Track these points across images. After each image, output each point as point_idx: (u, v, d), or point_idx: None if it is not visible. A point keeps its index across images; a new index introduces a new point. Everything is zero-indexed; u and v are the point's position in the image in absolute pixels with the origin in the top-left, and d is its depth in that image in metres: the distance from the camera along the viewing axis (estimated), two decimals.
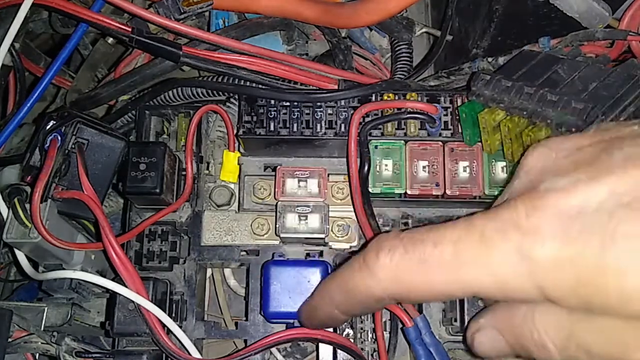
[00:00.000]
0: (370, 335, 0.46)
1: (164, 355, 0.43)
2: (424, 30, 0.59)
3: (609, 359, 0.26)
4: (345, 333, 0.46)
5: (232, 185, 0.48)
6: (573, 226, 0.24)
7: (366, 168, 0.43)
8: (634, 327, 0.24)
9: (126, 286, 0.42)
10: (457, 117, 0.45)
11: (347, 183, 0.46)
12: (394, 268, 0.28)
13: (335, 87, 0.48)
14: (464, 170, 0.44)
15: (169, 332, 0.43)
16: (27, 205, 0.41)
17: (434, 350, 0.41)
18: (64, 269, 0.45)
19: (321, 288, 0.34)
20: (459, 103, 0.45)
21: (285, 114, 0.45)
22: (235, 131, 0.46)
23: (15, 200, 0.42)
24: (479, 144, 0.44)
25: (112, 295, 0.43)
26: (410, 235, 0.28)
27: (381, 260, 0.28)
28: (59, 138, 0.43)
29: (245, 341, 0.46)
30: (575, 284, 0.24)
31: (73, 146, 0.44)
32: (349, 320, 0.46)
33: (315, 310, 0.35)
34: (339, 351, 0.44)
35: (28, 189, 0.42)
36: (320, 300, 0.34)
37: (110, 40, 0.60)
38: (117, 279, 0.42)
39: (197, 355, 0.43)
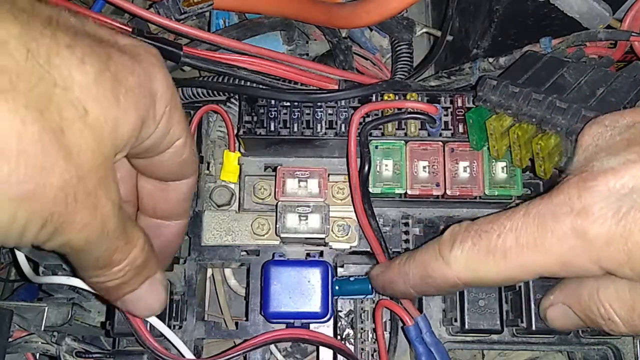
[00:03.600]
0: (370, 335, 0.46)
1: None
2: (424, 30, 0.59)
3: None
4: (345, 333, 0.46)
5: (232, 185, 0.48)
6: (623, 204, 0.26)
7: (366, 168, 0.43)
8: None
9: None
10: (458, 118, 0.45)
11: (348, 183, 0.46)
12: (465, 259, 0.31)
13: (336, 87, 0.48)
14: (464, 171, 0.44)
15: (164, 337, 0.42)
16: None
17: (434, 349, 0.41)
18: (64, 269, 0.45)
19: (399, 267, 0.37)
20: (460, 103, 0.45)
21: (285, 114, 0.45)
22: (235, 131, 0.46)
23: None
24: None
25: None
26: (477, 227, 0.31)
27: (454, 252, 0.32)
28: None
29: (245, 342, 0.46)
30: (628, 258, 0.26)
31: None
32: (349, 321, 0.46)
33: (391, 284, 0.38)
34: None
35: None
36: (397, 277, 0.37)
37: None
38: None
39: (190, 356, 0.43)
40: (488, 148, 0.43)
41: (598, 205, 0.26)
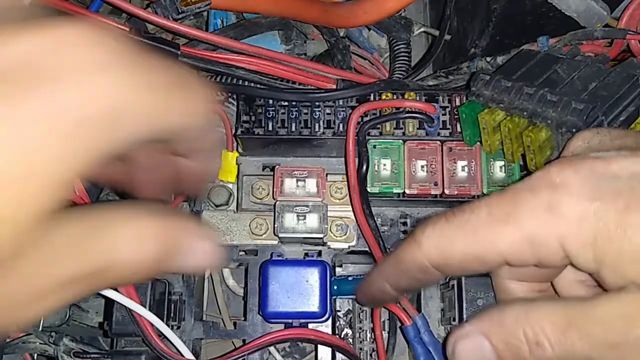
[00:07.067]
0: (369, 335, 0.46)
1: None
2: (422, 29, 0.59)
3: (611, 341, 0.25)
4: (344, 333, 0.46)
5: (230, 185, 0.48)
6: (604, 185, 0.25)
7: (365, 168, 0.43)
8: None
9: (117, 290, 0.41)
10: (456, 117, 0.45)
11: (346, 183, 0.46)
12: (436, 236, 0.30)
13: (334, 86, 0.48)
14: (463, 170, 0.44)
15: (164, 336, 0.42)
16: None
17: (432, 349, 0.41)
18: None
19: (377, 265, 0.37)
20: (458, 102, 0.45)
21: (283, 113, 0.45)
22: (233, 131, 0.46)
23: None
24: (478, 143, 0.44)
25: None
26: (455, 208, 0.30)
27: (427, 231, 0.30)
28: None
29: (244, 341, 0.46)
30: (594, 237, 0.25)
31: None
32: (348, 321, 0.46)
33: (369, 285, 0.37)
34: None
35: None
36: (375, 274, 0.36)
37: None
38: None
39: (190, 356, 0.42)
40: (481, 143, 0.43)
41: (577, 182, 0.25)
